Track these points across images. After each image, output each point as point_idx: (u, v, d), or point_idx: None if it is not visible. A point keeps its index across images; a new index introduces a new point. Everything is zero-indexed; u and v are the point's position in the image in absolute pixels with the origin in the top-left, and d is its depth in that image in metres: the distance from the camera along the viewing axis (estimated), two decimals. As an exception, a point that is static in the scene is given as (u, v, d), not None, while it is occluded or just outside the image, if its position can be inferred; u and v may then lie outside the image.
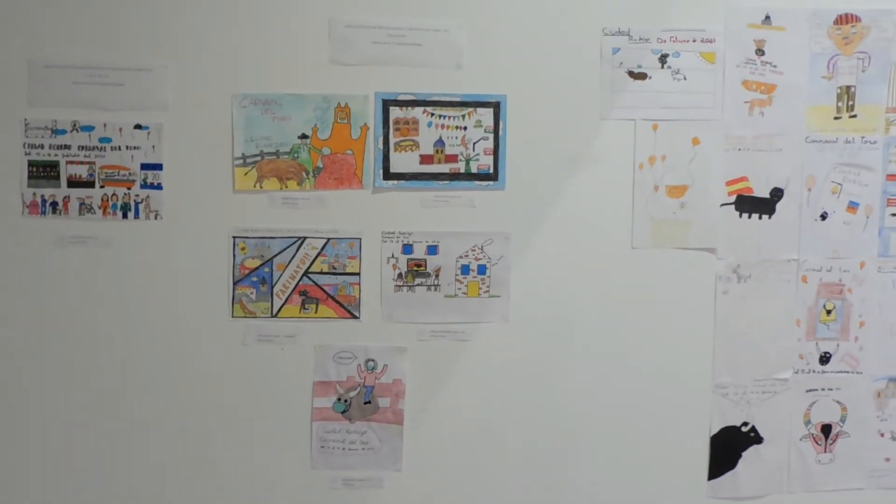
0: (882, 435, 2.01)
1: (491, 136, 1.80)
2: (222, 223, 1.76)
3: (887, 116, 1.96)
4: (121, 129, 1.73)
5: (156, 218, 1.75)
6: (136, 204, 1.75)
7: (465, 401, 1.85)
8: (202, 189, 1.75)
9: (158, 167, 1.74)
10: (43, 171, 1.72)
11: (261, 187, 1.76)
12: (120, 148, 1.73)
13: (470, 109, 1.79)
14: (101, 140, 1.73)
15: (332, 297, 1.79)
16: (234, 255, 1.77)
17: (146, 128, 1.73)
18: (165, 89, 1.73)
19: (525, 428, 1.87)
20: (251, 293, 1.78)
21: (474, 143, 1.80)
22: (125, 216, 1.75)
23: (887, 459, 2.02)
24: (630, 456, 1.91)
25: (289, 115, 1.75)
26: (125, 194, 1.74)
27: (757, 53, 1.90)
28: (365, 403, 1.82)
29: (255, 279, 1.78)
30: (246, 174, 1.75)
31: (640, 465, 1.91)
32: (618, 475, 1.91)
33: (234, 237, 1.76)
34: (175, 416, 1.79)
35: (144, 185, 1.74)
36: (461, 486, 1.87)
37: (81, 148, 1.73)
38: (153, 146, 1.74)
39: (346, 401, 1.82)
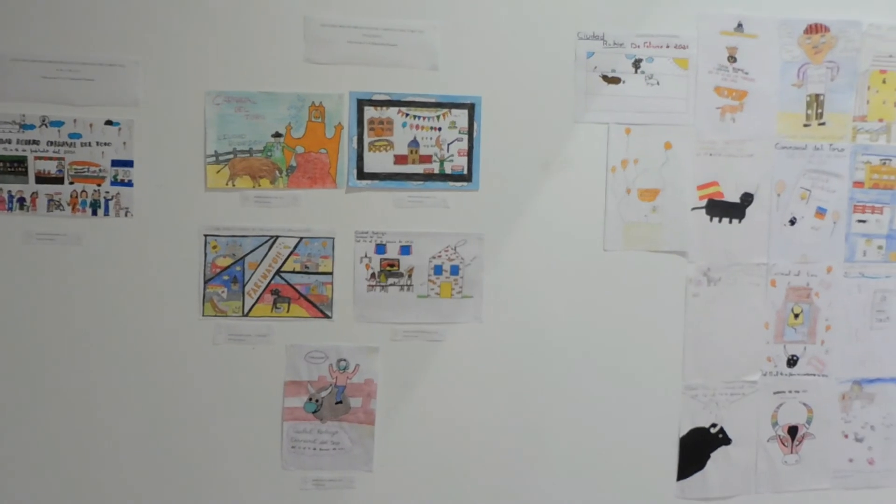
0: (846, 436, 2.05)
1: (465, 137, 1.81)
2: (194, 221, 1.75)
3: (854, 125, 2.00)
4: (91, 125, 1.71)
5: (126, 215, 1.73)
6: (107, 201, 1.73)
7: (437, 401, 1.85)
8: (174, 186, 1.74)
9: (129, 164, 1.72)
10: (10, 167, 1.70)
11: (233, 185, 1.75)
12: (90, 144, 1.71)
13: (445, 110, 1.80)
14: (71, 136, 1.70)
15: (305, 297, 1.78)
16: (205, 254, 1.75)
17: (117, 124, 1.71)
18: (137, 85, 1.71)
19: (496, 429, 1.88)
20: (222, 292, 1.77)
21: (449, 144, 1.80)
22: (95, 213, 1.72)
23: (851, 460, 2.06)
24: (600, 456, 1.92)
25: (262, 114, 1.74)
26: (95, 191, 1.72)
27: (729, 60, 1.92)
28: (336, 403, 1.82)
29: (226, 278, 1.76)
30: (218, 172, 1.74)
31: (610, 465, 1.93)
32: (588, 476, 1.92)
33: (205, 235, 1.75)
34: (145, 415, 1.77)
35: (115, 182, 1.72)
36: (432, 486, 1.87)
37: (50, 143, 1.70)
38: (124, 143, 1.72)
39: (317, 401, 1.81)
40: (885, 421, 2.07)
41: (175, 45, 1.72)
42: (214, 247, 1.76)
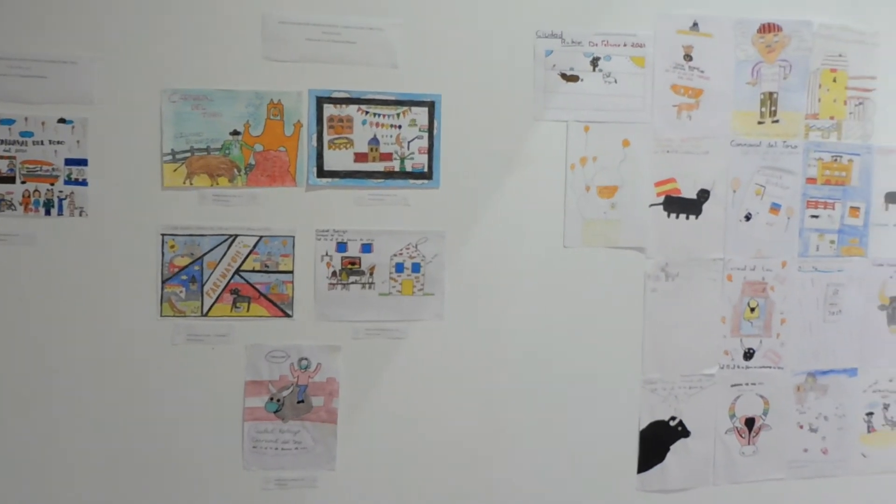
0: (801, 427, 2.10)
1: (426, 135, 1.81)
2: (150, 220, 1.73)
3: (807, 122, 2.05)
4: (43, 124, 1.67)
5: (81, 215, 1.70)
6: (60, 200, 1.70)
7: (400, 399, 1.85)
8: (129, 185, 1.71)
9: (83, 163, 1.69)
10: (-41, 166, 1.66)
11: (191, 184, 1.73)
12: (43, 142, 1.68)
13: (405, 108, 1.80)
14: (23, 134, 1.67)
15: (265, 296, 1.77)
16: (162, 253, 1.73)
17: (70, 122, 1.68)
18: (91, 83, 1.68)
19: (458, 425, 1.89)
20: (181, 292, 1.75)
21: (409, 142, 1.81)
22: (48, 213, 1.69)
23: (805, 450, 2.11)
24: (561, 450, 1.94)
25: (220, 111, 1.72)
26: (48, 190, 1.69)
27: (685, 59, 1.96)
28: (298, 403, 1.81)
29: (184, 277, 1.74)
30: (175, 170, 1.72)
31: (572, 459, 1.95)
32: (549, 470, 1.94)
33: (162, 234, 1.73)
34: (103, 417, 1.74)
35: (69, 182, 1.69)
36: (395, 484, 1.87)
37: (1, 142, 1.67)
38: (78, 141, 1.69)
39: (278, 400, 1.80)
40: (838, 411, 2.13)
41: (130, 41, 1.69)
42: (172, 246, 1.74)
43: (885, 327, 2.15)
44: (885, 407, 2.16)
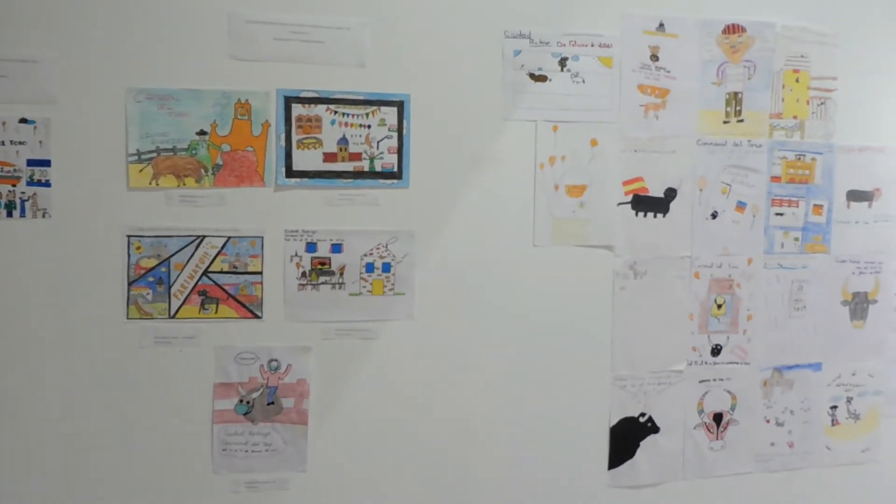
0: (768, 421, 2.14)
1: (395, 134, 1.81)
2: (116, 221, 1.70)
3: (771, 122, 2.08)
4: (4, 123, 1.64)
5: (44, 216, 1.67)
6: (22, 202, 1.67)
7: (371, 399, 1.85)
8: (94, 186, 1.69)
9: (46, 163, 1.67)
10: (-83, 167, 1.62)
11: (157, 185, 1.71)
12: (3, 143, 1.65)
13: (374, 108, 1.79)
14: (-17, 134, 1.64)
15: (233, 297, 1.76)
16: (128, 255, 1.71)
17: (32, 122, 1.65)
18: (53, 82, 1.65)
19: (430, 425, 1.89)
20: (147, 294, 1.72)
21: (378, 142, 1.80)
22: (10, 214, 1.66)
23: (772, 444, 2.14)
24: (533, 448, 1.96)
25: (186, 111, 1.70)
26: (10, 191, 1.66)
27: (651, 59, 1.98)
28: (268, 404, 1.80)
29: (151, 279, 1.72)
30: (141, 171, 1.70)
31: (543, 457, 1.96)
32: (521, 467, 1.95)
33: (128, 236, 1.71)
34: (70, 422, 1.71)
35: (31, 183, 1.66)
36: (367, 485, 1.86)
37: (-39, 142, 1.63)
38: (40, 141, 1.66)
39: (248, 402, 1.79)
40: (804, 405, 2.17)
41: (94, 40, 1.67)
42: (138, 248, 1.71)
43: (847, 323, 2.19)
44: (849, 400, 2.21)
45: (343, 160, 1.79)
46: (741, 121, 2.06)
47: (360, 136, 1.79)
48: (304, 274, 1.79)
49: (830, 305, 2.17)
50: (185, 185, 1.72)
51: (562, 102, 1.91)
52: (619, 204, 1.97)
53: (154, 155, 1.70)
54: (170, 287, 1.73)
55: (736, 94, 2.05)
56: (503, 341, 1.91)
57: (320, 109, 1.77)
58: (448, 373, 1.89)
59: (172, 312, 1.74)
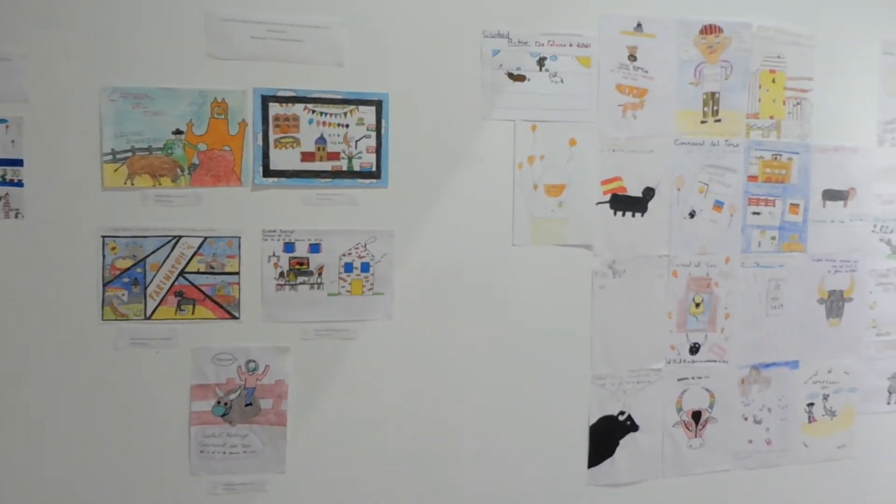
0: (746, 419, 2.15)
1: (373, 134, 1.80)
2: (90, 222, 1.68)
3: (747, 122, 2.10)
4: (-25, 122, 1.62)
5: (17, 217, 1.65)
6: (-6, 202, 1.64)
7: (350, 400, 1.84)
8: (68, 186, 1.67)
9: (19, 163, 1.64)
10: None
11: (132, 184, 1.69)
12: (-25, 142, 1.62)
13: (352, 107, 1.79)
14: (-47, 133, 1.61)
15: (210, 298, 1.74)
16: (103, 256, 1.69)
17: (4, 121, 1.63)
18: (25, 80, 1.63)
19: (409, 425, 1.88)
20: (123, 295, 1.71)
21: (356, 141, 1.80)
22: (-18, 215, 1.64)
23: (750, 441, 2.16)
24: (513, 447, 1.96)
25: (162, 110, 1.69)
26: (-19, 191, 1.64)
27: (629, 59, 1.99)
28: (246, 406, 1.78)
29: (126, 280, 1.70)
30: (116, 171, 1.68)
31: (523, 456, 1.96)
32: (501, 466, 1.95)
33: (103, 236, 1.69)
34: (45, 424, 1.69)
35: (3, 182, 1.64)
36: (346, 486, 1.86)
37: (-70, 141, 1.61)
38: (12, 141, 1.63)
39: (226, 404, 1.77)
40: (781, 403, 2.19)
41: (67, 37, 1.65)
42: (113, 248, 1.69)
43: (824, 320, 2.22)
44: (825, 397, 2.23)
45: (321, 159, 1.78)
46: (718, 121, 2.07)
47: (339, 135, 1.79)
48: (282, 274, 1.78)
49: (807, 304, 2.19)
50: (160, 184, 1.70)
51: (540, 102, 1.91)
52: (598, 203, 1.98)
53: (129, 154, 1.68)
54: (146, 288, 1.71)
55: (713, 94, 2.06)
56: (482, 341, 1.91)
57: (298, 108, 1.76)
58: (427, 372, 1.88)
59: (148, 313, 1.72)
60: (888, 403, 2.30)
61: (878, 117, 2.21)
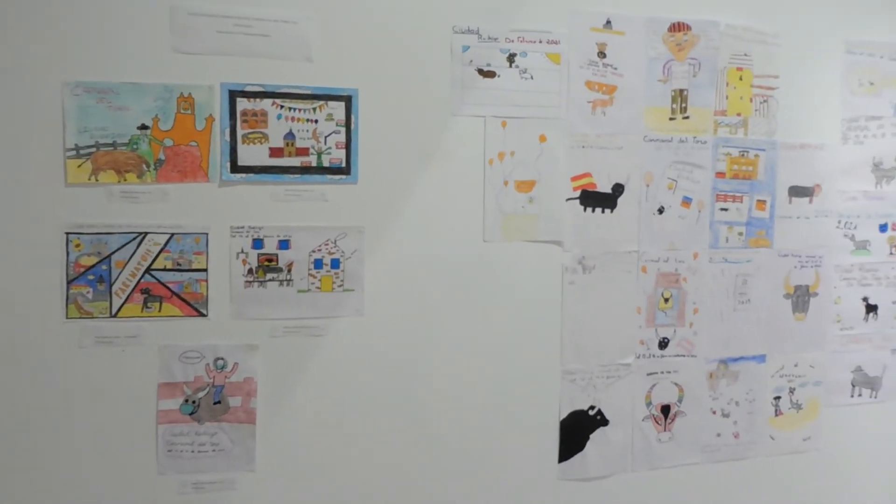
0: (714, 413, 2.18)
1: (343, 129, 1.80)
2: (53, 218, 1.65)
3: (715, 119, 2.12)
4: (-67, 116, 1.58)
5: (-23, 213, 1.62)
6: (-46, 198, 1.61)
7: (320, 397, 1.83)
8: (30, 182, 1.64)
9: (-21, 158, 1.61)
10: None
11: (96, 180, 1.66)
12: (-68, 136, 1.59)
13: (321, 102, 1.78)
14: (-90, 127, 1.58)
15: (178, 295, 1.72)
16: (67, 253, 1.66)
17: (-37, 115, 1.59)
18: (-15, 74, 1.60)
19: (380, 422, 1.88)
20: (87, 292, 1.68)
21: (326, 137, 1.79)
22: (-60, 211, 1.60)
23: (718, 435, 2.19)
24: (483, 443, 1.96)
25: (127, 105, 1.66)
26: (-60, 187, 1.60)
27: (599, 56, 2.00)
28: (215, 404, 1.77)
29: (91, 277, 1.68)
30: (79, 166, 1.65)
31: (494, 451, 1.97)
32: (472, 462, 1.96)
33: (66, 233, 1.66)
34: (9, 424, 1.66)
35: (-37, 178, 1.61)
36: (317, 484, 1.85)
37: None
38: (-28, 135, 1.60)
39: (194, 402, 1.75)
40: (748, 396, 2.22)
41: (29, 31, 1.61)
42: (77, 245, 1.67)
43: (790, 315, 2.25)
44: (791, 391, 2.27)
45: (290, 155, 1.77)
46: (687, 117, 2.09)
47: (307, 130, 1.77)
48: (250, 271, 1.76)
49: (773, 298, 2.23)
50: (125, 180, 1.68)
51: (510, 98, 1.92)
52: (568, 199, 1.99)
53: (93, 150, 1.65)
54: (111, 285, 1.69)
55: (681, 91, 2.08)
56: (453, 337, 1.91)
57: (266, 104, 1.74)
58: (398, 369, 1.88)
59: (114, 311, 1.70)
60: (852, 396, 2.34)
61: (842, 115, 2.25)
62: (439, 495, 1.94)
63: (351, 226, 1.82)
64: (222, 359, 1.76)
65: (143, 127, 1.68)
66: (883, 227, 2.33)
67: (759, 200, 2.19)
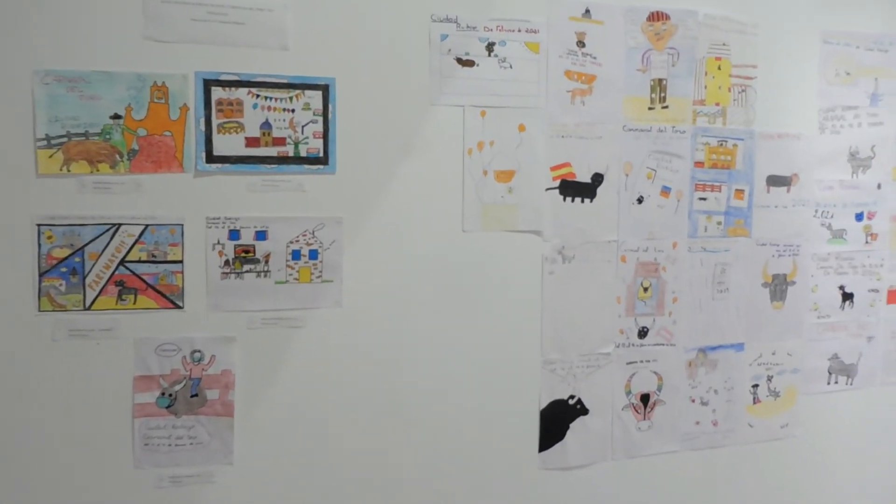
0: (693, 401, 2.20)
1: (320, 119, 1.78)
2: (24, 210, 1.62)
3: (694, 108, 2.13)
4: None
5: (-55, 205, 1.59)
6: (-79, 189, 1.57)
7: (299, 389, 1.82)
8: (0, 173, 1.60)
9: (-54, 148, 1.57)
10: None
11: (68, 171, 1.63)
12: None
13: (298, 91, 1.76)
14: None
15: (153, 287, 1.70)
16: (38, 245, 1.63)
17: (-70, 104, 1.56)
18: (-48, 62, 1.56)
19: (359, 413, 1.87)
20: (60, 285, 1.65)
21: (303, 126, 1.77)
22: None
23: (697, 423, 2.20)
24: (464, 433, 1.96)
25: (99, 94, 1.63)
26: None
27: (578, 45, 1.99)
28: (192, 397, 1.75)
29: (64, 270, 1.65)
30: (51, 157, 1.62)
31: (474, 441, 1.97)
32: (453, 452, 1.96)
33: (38, 225, 1.63)
34: (-23, 421, 1.64)
35: (-70, 168, 1.57)
36: (296, 476, 1.84)
37: None
38: (-61, 125, 1.57)
39: (170, 395, 1.73)
40: (727, 385, 2.23)
41: (-3, 18, 1.58)
42: (49, 237, 1.64)
43: (768, 304, 2.27)
44: (769, 379, 2.29)
45: (266, 145, 1.75)
46: (666, 107, 2.10)
47: (284, 120, 1.75)
48: (227, 262, 1.74)
49: (752, 287, 2.24)
50: (98, 171, 1.65)
51: (489, 88, 1.91)
52: (548, 189, 1.98)
53: (64, 140, 1.62)
54: (84, 277, 1.66)
55: (660, 80, 2.09)
56: (433, 328, 1.91)
57: (242, 93, 1.72)
58: (377, 360, 1.87)
59: (88, 304, 1.67)
60: (828, 384, 2.37)
61: (819, 105, 2.27)
62: (419, 486, 1.94)
63: (329, 216, 1.80)
64: (199, 351, 1.74)
65: (116, 116, 1.65)
66: (859, 216, 2.35)
67: (737, 190, 2.20)
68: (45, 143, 1.62)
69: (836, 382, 2.38)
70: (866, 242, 2.37)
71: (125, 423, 1.72)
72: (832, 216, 2.32)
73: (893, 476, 2.50)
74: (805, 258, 2.30)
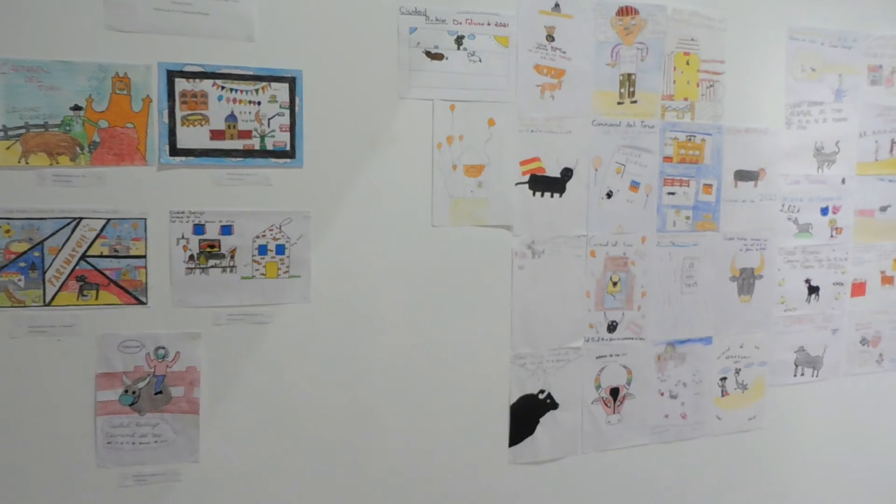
0: (662, 394, 2.21)
1: (287, 112, 1.75)
2: (-20, 203, 1.58)
3: (663, 103, 2.14)
4: None
5: None
6: None
7: (265, 385, 1.80)
8: (-46, 165, 1.56)
9: None
10: None
11: (26, 163, 1.59)
12: None
13: (264, 84, 1.73)
14: None
15: (115, 283, 1.67)
16: (-4, 239, 1.59)
17: None
18: None
19: (327, 409, 1.85)
20: (19, 280, 1.61)
21: (269, 119, 1.74)
22: None
23: (666, 416, 2.22)
24: (433, 428, 1.95)
25: (59, 85, 1.59)
26: None
27: (547, 39, 1.99)
28: (156, 394, 1.72)
29: (23, 265, 1.61)
30: (8, 148, 1.58)
31: (444, 436, 1.96)
32: (422, 448, 1.95)
33: (-5, 218, 1.59)
34: (-67, 421, 1.60)
35: None
36: (262, 474, 1.81)
37: None
38: None
39: (134, 392, 1.70)
40: (695, 378, 2.25)
41: (-49, 6, 1.54)
42: (7, 231, 1.60)
43: (735, 297, 2.29)
44: (737, 371, 2.31)
45: (232, 138, 1.72)
46: (634, 102, 2.10)
47: (250, 112, 1.73)
48: (191, 257, 1.71)
49: (719, 281, 2.26)
50: (58, 163, 1.61)
51: (459, 81, 1.90)
52: (517, 184, 1.98)
53: (23, 131, 1.58)
54: (44, 273, 1.63)
55: (629, 75, 2.09)
56: (401, 323, 1.90)
57: (206, 84, 1.69)
58: (345, 356, 1.86)
59: (48, 300, 1.63)
60: (795, 376, 2.40)
61: (786, 100, 2.29)
62: (389, 482, 1.92)
63: (296, 211, 1.78)
64: (163, 348, 1.71)
65: (77, 108, 1.61)
66: (824, 211, 2.39)
67: (705, 184, 2.21)
68: (2, 134, 1.57)
69: (803, 374, 2.41)
70: (831, 236, 2.40)
71: (87, 421, 1.68)
72: (798, 210, 2.35)
73: (859, 464, 2.54)
74: (772, 252, 2.32)
